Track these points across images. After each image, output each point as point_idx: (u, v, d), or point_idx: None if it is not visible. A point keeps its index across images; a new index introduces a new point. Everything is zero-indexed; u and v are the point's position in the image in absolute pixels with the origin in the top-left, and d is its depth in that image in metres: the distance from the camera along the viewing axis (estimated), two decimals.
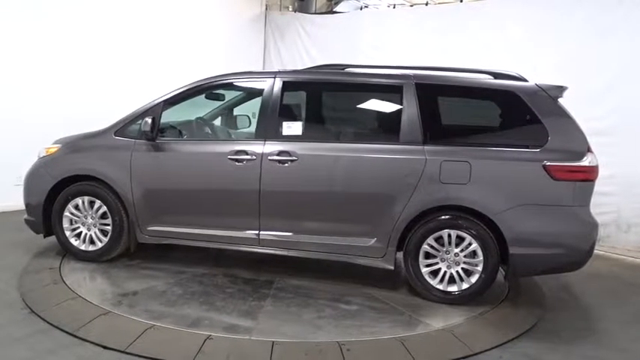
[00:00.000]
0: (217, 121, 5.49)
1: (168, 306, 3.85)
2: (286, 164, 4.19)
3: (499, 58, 6.41)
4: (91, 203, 4.60)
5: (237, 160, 4.28)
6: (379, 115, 4.58)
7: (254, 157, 4.24)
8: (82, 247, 4.65)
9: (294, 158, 4.17)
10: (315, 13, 9.71)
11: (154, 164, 4.49)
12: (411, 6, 8.74)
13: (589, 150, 3.92)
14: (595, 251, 5.56)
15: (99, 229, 4.63)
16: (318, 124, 4.66)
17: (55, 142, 4.88)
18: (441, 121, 4.22)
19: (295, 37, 9.25)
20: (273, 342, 3.32)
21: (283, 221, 4.30)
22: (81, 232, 4.66)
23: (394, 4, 8.36)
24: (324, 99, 4.82)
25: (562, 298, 4.41)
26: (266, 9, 9.66)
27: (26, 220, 4.79)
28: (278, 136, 4.27)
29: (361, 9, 9.19)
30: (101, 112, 5.59)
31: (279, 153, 4.21)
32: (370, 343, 3.44)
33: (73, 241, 4.66)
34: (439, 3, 8.14)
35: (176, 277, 4.45)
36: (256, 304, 3.94)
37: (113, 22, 7.18)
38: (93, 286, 4.30)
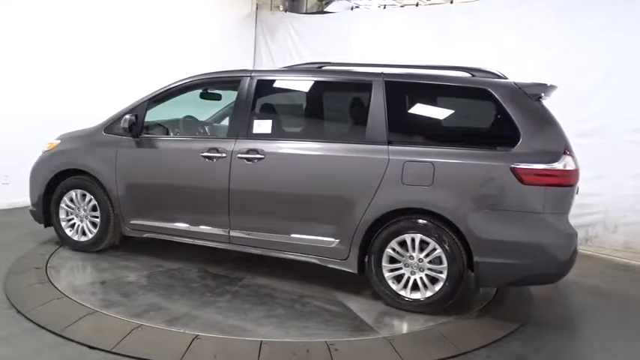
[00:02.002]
0: (225, 121, 5.47)
1: (125, 296, 3.96)
2: (254, 162, 4.19)
3: (489, 58, 6.41)
4: (83, 196, 4.83)
5: (209, 158, 4.32)
6: (348, 113, 4.53)
7: (224, 155, 4.27)
8: (75, 238, 4.88)
9: (262, 156, 4.17)
10: (306, 13, 9.71)
11: (135, 160, 4.66)
12: (402, 6, 8.76)
13: (566, 152, 3.64)
14: (583, 251, 5.68)
15: (90, 221, 4.84)
16: (288, 123, 4.64)
17: (57, 138, 5.09)
18: (408, 120, 4.11)
19: (286, 37, 9.23)
20: (261, 341, 3.31)
21: (252, 219, 4.31)
22: (74, 224, 4.89)
23: (384, 5, 8.39)
24: (295, 98, 4.82)
25: (549, 297, 4.43)
26: (257, 8, 9.64)
27: (30, 211, 5.06)
28: (249, 135, 4.29)
29: (352, 9, 9.21)
30: (87, 114, 5.69)
31: (248, 151, 4.22)
32: (358, 343, 3.44)
33: (68, 232, 4.90)
34: (430, 4, 8.16)
35: (151, 269, 4.57)
36: (211, 300, 3.98)
37: (104, 21, 7.13)
38: (74, 280, 4.37)
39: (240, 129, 4.34)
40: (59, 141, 5.04)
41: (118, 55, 7.26)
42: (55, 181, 4.88)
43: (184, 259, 4.81)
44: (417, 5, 7.96)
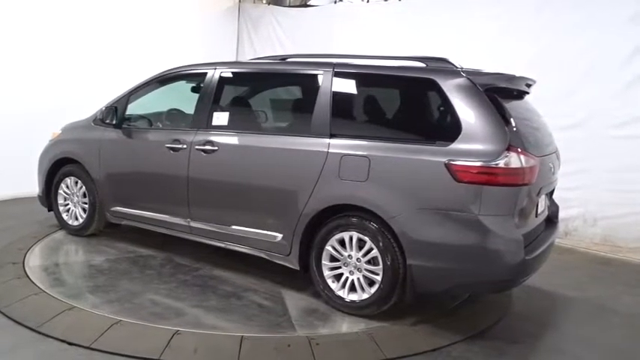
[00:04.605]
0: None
1: (77, 277, 4.25)
2: (208, 154, 4.22)
3: (472, 53, 6.43)
4: (76, 183, 5.14)
5: (172, 149, 4.40)
6: (299, 105, 4.48)
7: (184, 146, 4.34)
8: (70, 222, 5.21)
9: (215, 148, 4.19)
10: (289, 6, 9.64)
11: (115, 149, 4.87)
12: (385, 0, 8.73)
13: (512, 150, 3.27)
14: (563, 245, 5.74)
15: (81, 207, 5.15)
16: (243, 115, 4.61)
17: (61, 128, 5.38)
18: (353, 112, 4.01)
19: (269, 30, 9.17)
20: (242, 337, 3.30)
21: (207, 211, 4.36)
22: (70, 209, 5.22)
23: None
24: (252, 90, 4.85)
25: (528, 291, 4.45)
26: (239, 1, 9.55)
27: (38, 196, 5.42)
28: (208, 127, 4.32)
29: (335, 2, 9.16)
30: (68, 105, 5.98)
31: (205, 143, 4.24)
32: (340, 337, 3.46)
33: (64, 216, 5.25)
34: None
35: (121, 255, 4.77)
36: (155, 286, 4.08)
37: (91, 16, 7.10)
38: (37, 260, 4.54)
39: (201, 121, 4.37)
40: (60, 131, 5.37)
41: (104, 49, 7.20)
42: (56, 168, 5.21)
43: (159, 248, 4.95)
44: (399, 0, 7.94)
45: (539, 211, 3.76)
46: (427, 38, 7.10)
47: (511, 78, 3.74)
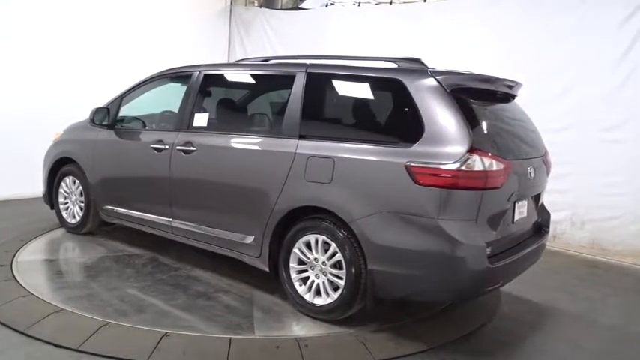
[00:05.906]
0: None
1: (58, 274, 4.34)
2: (188, 154, 4.27)
3: (461, 57, 6.48)
4: (74, 182, 5.29)
5: (156, 150, 4.48)
6: (274, 106, 4.56)
7: (167, 147, 4.41)
8: (68, 220, 5.39)
9: (194, 149, 4.24)
10: (281, 9, 9.66)
11: (107, 149, 5.00)
12: (377, 4, 8.78)
13: (475, 152, 3.13)
14: (550, 248, 5.77)
15: (78, 206, 5.29)
16: (222, 116, 4.64)
17: (64, 129, 5.54)
18: (322, 113, 3.96)
19: (261, 33, 9.18)
20: (230, 338, 3.30)
21: (187, 211, 4.41)
22: (68, 207, 5.37)
23: (359, 2, 8.39)
24: (231, 91, 4.96)
25: (517, 294, 4.49)
26: (231, 3, 9.55)
27: (43, 196, 5.59)
28: (189, 128, 4.37)
29: (327, 6, 9.19)
30: (52, 107, 6.18)
31: (185, 143, 4.29)
32: (328, 338, 3.46)
33: (64, 215, 5.42)
34: (403, 2, 8.20)
35: (109, 253, 4.88)
36: (129, 284, 4.14)
37: (88, 18, 7.17)
38: (26, 255, 4.66)
39: (184, 122, 4.43)
40: (62, 132, 5.52)
41: (102, 51, 7.27)
42: (57, 168, 5.37)
43: (148, 247, 5.01)
44: (390, 3, 8.00)
45: (516, 218, 3.61)
46: (418, 41, 7.14)
47: (486, 79, 3.66)
